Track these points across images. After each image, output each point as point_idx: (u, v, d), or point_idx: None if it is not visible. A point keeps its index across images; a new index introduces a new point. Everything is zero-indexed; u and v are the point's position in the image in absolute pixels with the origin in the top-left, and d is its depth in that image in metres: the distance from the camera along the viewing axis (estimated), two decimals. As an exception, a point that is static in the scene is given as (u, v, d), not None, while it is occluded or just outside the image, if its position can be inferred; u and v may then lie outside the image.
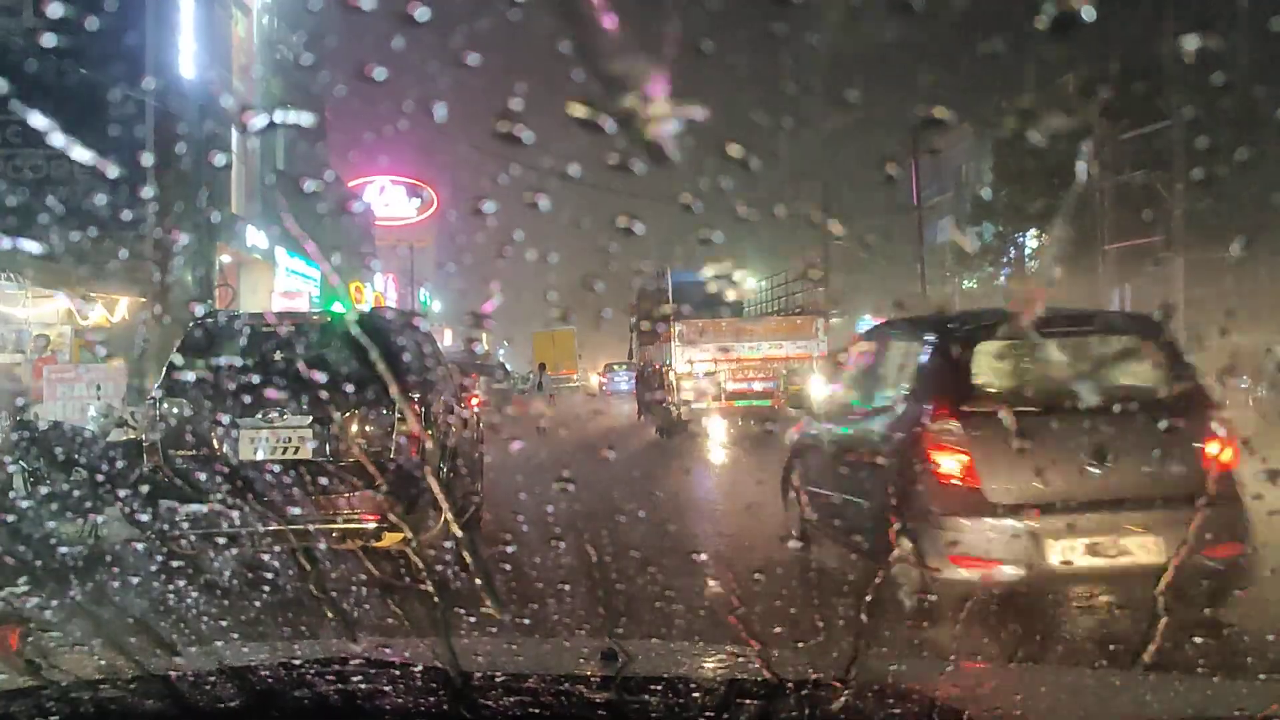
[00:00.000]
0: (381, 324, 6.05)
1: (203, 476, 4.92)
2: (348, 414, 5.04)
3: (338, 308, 13.93)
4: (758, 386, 13.40)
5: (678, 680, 1.39)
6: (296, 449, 5.03)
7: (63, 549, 5.34)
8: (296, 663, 1.48)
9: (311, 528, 4.82)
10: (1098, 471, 3.51)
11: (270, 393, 4.95)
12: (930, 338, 4.28)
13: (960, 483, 3.74)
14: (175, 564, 4.79)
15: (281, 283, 18.43)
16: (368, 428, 5.08)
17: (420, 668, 1.39)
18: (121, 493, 5.44)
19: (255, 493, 4.86)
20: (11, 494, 6.12)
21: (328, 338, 5.42)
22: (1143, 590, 3.07)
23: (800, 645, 2.14)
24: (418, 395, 5.29)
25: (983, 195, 21.51)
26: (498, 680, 1.36)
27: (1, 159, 12.36)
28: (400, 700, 1.32)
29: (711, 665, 1.62)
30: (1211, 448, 3.69)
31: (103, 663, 1.51)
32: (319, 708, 1.32)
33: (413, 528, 4.91)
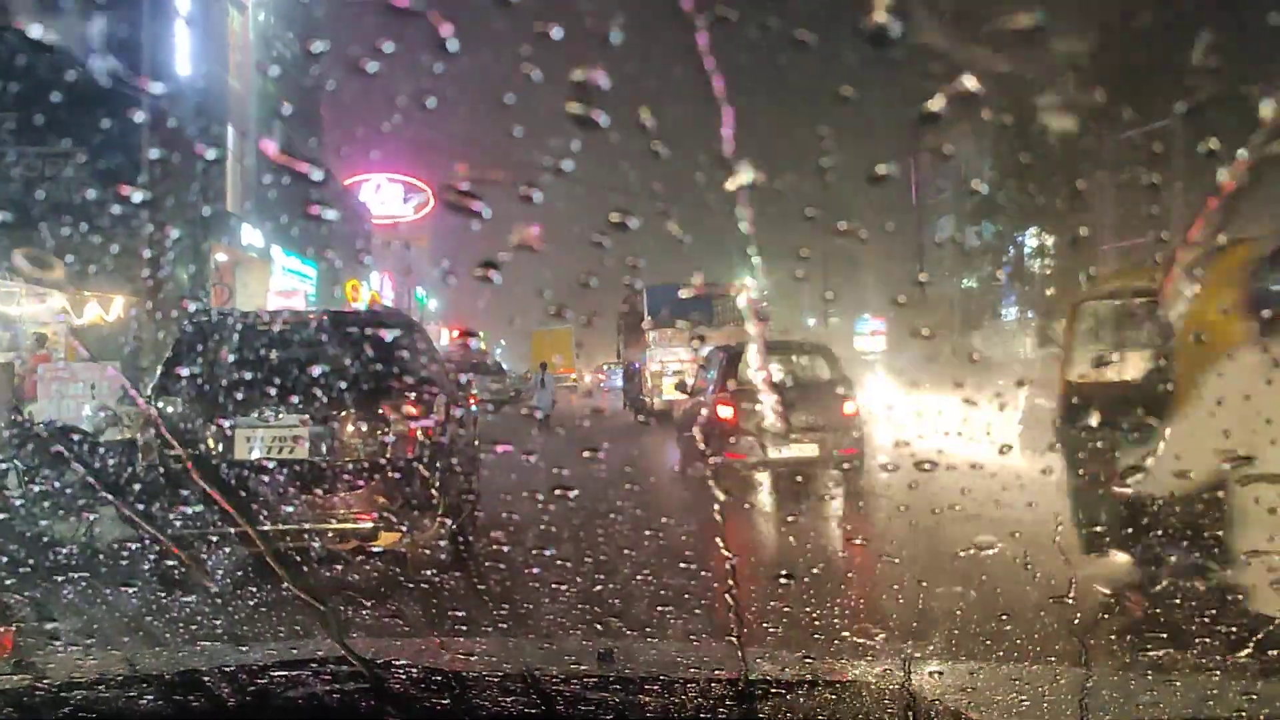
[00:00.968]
0: (377, 322, 6.04)
1: (198, 476, 4.91)
2: (344, 413, 5.02)
3: (334, 305, 13.89)
4: None
5: (673, 680, 1.39)
6: (292, 448, 5.01)
7: (57, 548, 5.33)
8: (293, 663, 1.48)
9: (307, 527, 4.81)
10: (788, 417, 7.70)
11: (266, 392, 4.93)
12: (721, 354, 9.23)
13: (730, 421, 8.16)
14: (170, 564, 4.78)
15: (277, 281, 18.40)
16: (364, 427, 5.07)
17: (418, 667, 1.39)
18: (116, 492, 5.42)
19: (251, 492, 4.84)
20: (5, 493, 6.10)
21: (323, 336, 5.41)
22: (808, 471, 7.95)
23: (795, 644, 2.14)
24: (413, 394, 5.28)
25: (982, 191, 21.52)
26: (494, 680, 1.36)
27: (-4, 157, 12.32)
28: (397, 700, 1.32)
29: (707, 665, 1.62)
30: (847, 406, 8.36)
31: (97, 662, 1.51)
32: (315, 708, 1.32)
33: (409, 527, 4.91)
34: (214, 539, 4.84)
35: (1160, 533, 2.94)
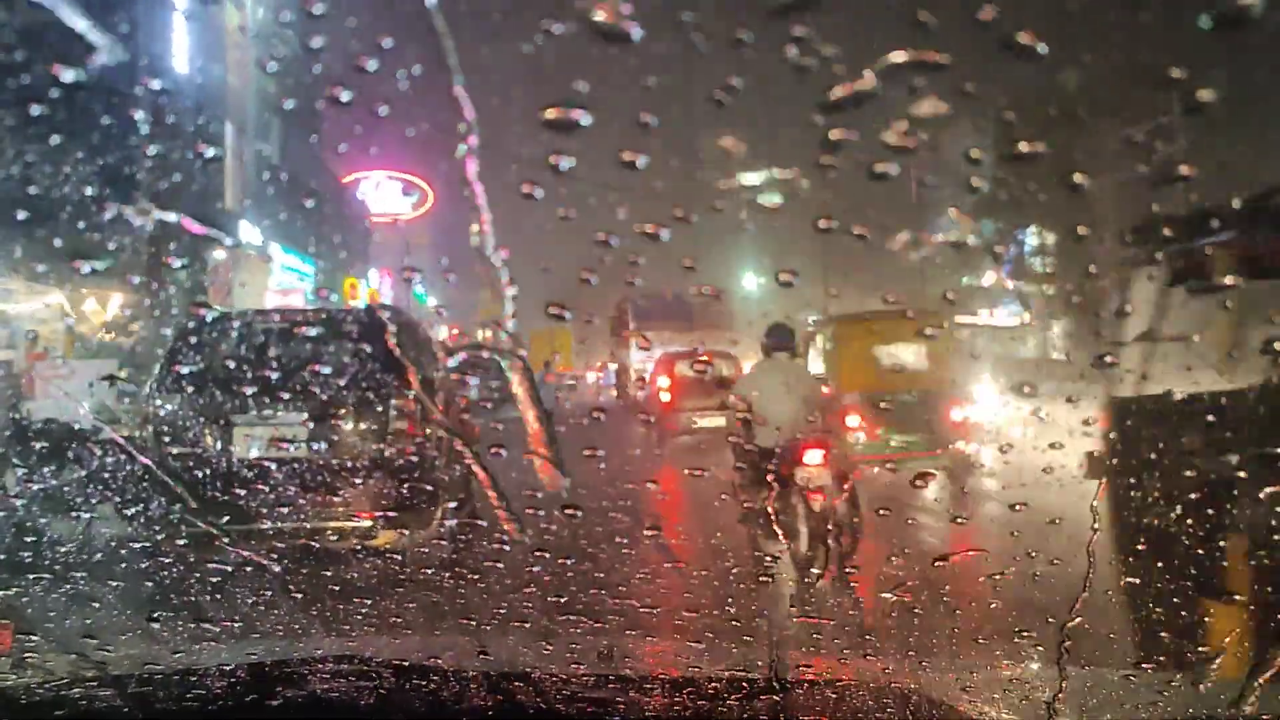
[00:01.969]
0: (377, 320, 6.03)
1: (197, 474, 4.90)
2: (343, 411, 5.02)
3: (332, 303, 13.89)
4: None
5: (673, 679, 1.39)
6: (291, 446, 5.01)
7: (55, 547, 5.32)
8: (293, 660, 1.48)
9: (306, 526, 4.81)
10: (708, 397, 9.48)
11: (265, 389, 4.93)
12: (668, 355, 13.65)
13: (669, 397, 12.25)
14: (168, 562, 4.77)
15: (276, 279, 18.38)
16: (363, 425, 5.07)
17: (417, 665, 1.39)
18: (114, 490, 5.42)
19: (250, 490, 4.84)
20: (4, 491, 6.09)
21: (323, 334, 5.41)
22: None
23: (795, 643, 2.14)
24: (413, 392, 5.28)
25: (982, 190, 21.52)
26: (494, 678, 1.36)
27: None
28: (397, 698, 1.32)
29: (706, 664, 1.62)
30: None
31: (95, 660, 1.50)
32: (316, 705, 1.32)
33: (408, 525, 4.91)
34: (212, 537, 4.83)
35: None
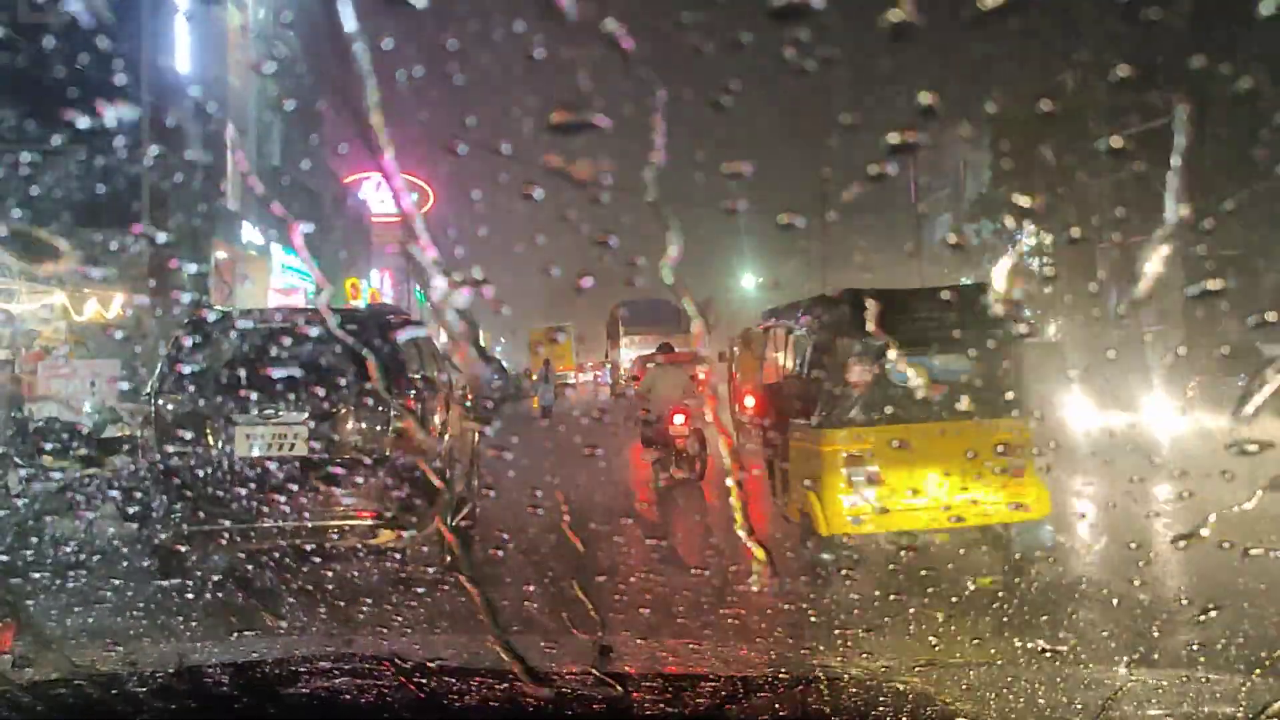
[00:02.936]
0: (377, 321, 6.04)
1: (198, 473, 4.91)
2: (344, 411, 5.03)
3: (335, 303, 13.91)
4: None
5: (673, 678, 1.39)
6: (292, 445, 5.01)
7: (57, 545, 5.33)
8: (294, 659, 1.48)
9: (308, 525, 4.81)
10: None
11: (266, 389, 4.93)
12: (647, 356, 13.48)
13: (644, 396, 10.10)
14: (170, 561, 4.77)
15: (278, 279, 18.38)
16: (364, 424, 5.07)
17: (418, 663, 1.39)
18: (116, 489, 5.43)
19: (251, 490, 4.85)
20: (6, 490, 6.10)
21: (324, 334, 5.41)
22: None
23: (793, 642, 2.14)
24: (414, 392, 5.28)
25: (981, 191, 21.50)
26: (494, 676, 1.36)
27: (-5, 154, 12.28)
28: (397, 698, 1.32)
29: (704, 663, 1.62)
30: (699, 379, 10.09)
31: (97, 659, 1.51)
32: (317, 704, 1.32)
33: (408, 525, 4.91)
34: (214, 536, 4.84)
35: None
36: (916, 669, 1.61)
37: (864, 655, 1.74)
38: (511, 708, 1.30)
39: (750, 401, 9.87)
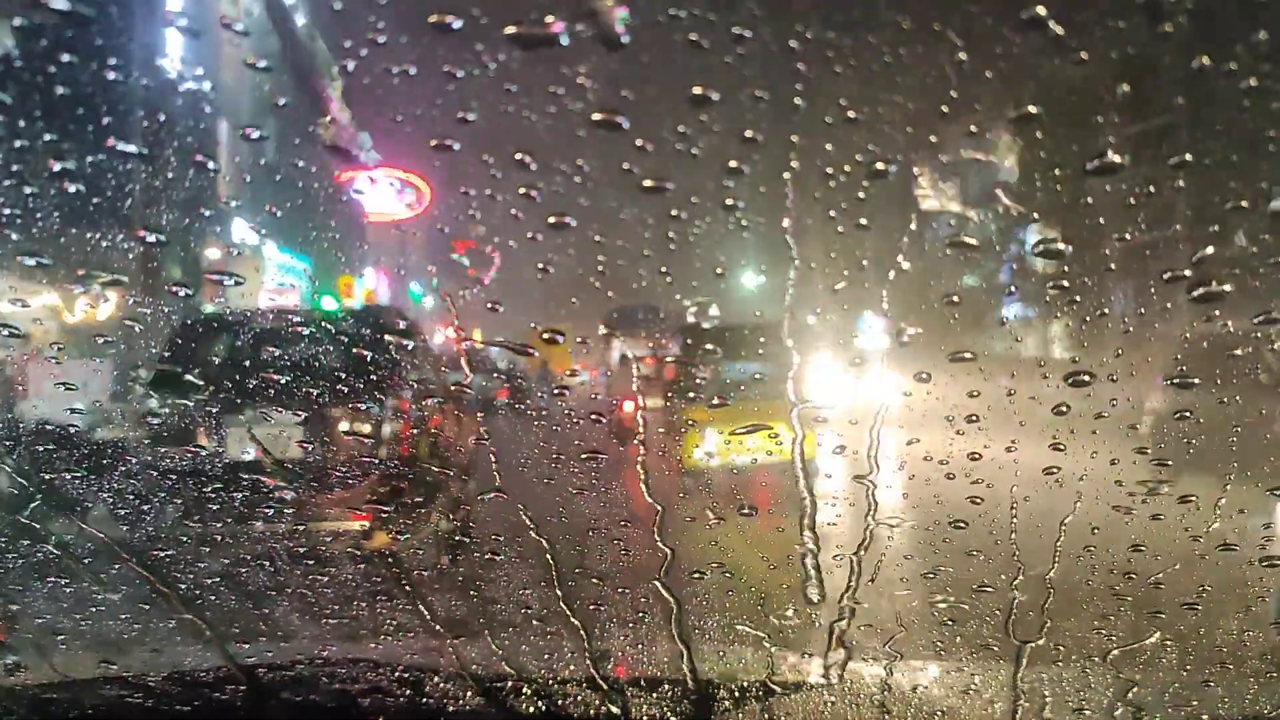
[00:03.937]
0: (372, 321, 6.02)
1: (191, 474, 4.89)
2: (337, 412, 5.01)
3: (328, 303, 13.88)
4: None
5: (669, 680, 1.38)
6: (286, 448, 4.99)
7: (50, 547, 5.29)
8: (288, 663, 1.47)
9: (301, 527, 4.80)
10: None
11: (259, 391, 4.91)
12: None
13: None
14: (162, 563, 4.74)
15: (270, 278, 18.34)
16: (357, 426, 5.06)
17: (416, 666, 1.38)
18: (109, 491, 5.39)
19: (243, 491, 4.83)
20: (-4, 492, 6.05)
21: (317, 335, 5.39)
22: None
23: (791, 646, 2.13)
24: (408, 394, 5.26)
25: (982, 190, 21.63)
26: (491, 680, 1.35)
27: (-15, 152, 12.19)
28: (396, 699, 1.31)
29: (701, 666, 1.61)
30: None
31: (90, 662, 1.49)
32: (312, 707, 1.31)
33: (403, 528, 4.89)
34: (207, 538, 4.81)
35: None
36: (917, 669, 1.61)
37: (864, 656, 1.73)
38: (511, 710, 1.28)
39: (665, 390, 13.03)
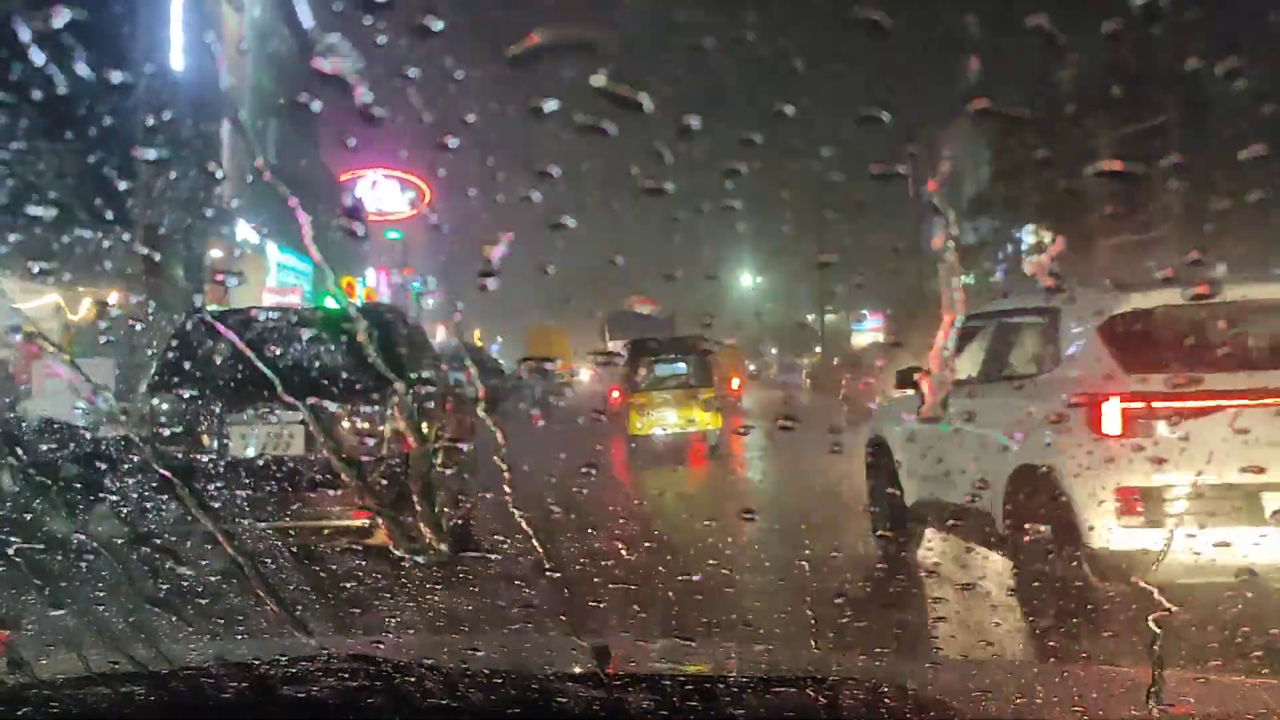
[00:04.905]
0: (373, 319, 6.03)
1: (193, 473, 4.90)
2: (339, 410, 5.02)
3: (329, 303, 13.89)
4: None
5: (670, 678, 1.39)
6: (287, 445, 5.00)
7: (51, 546, 5.30)
8: (291, 660, 1.47)
9: (302, 525, 4.81)
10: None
11: (261, 388, 4.92)
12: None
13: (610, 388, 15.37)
14: (164, 561, 4.75)
15: (273, 278, 18.36)
16: (359, 424, 5.07)
17: (414, 664, 1.39)
18: (110, 489, 5.41)
19: (246, 489, 4.84)
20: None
21: (319, 333, 5.40)
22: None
23: (791, 642, 2.14)
24: (409, 391, 5.27)
25: (981, 189, 21.54)
26: (491, 677, 1.36)
27: (-12, 152, 12.22)
28: (397, 698, 1.31)
29: (701, 663, 1.62)
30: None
31: (91, 661, 1.50)
32: (314, 704, 1.31)
33: (404, 524, 4.89)
34: (209, 535, 4.82)
35: None
36: (916, 669, 1.61)
37: (864, 655, 1.73)
38: (511, 709, 1.29)
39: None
